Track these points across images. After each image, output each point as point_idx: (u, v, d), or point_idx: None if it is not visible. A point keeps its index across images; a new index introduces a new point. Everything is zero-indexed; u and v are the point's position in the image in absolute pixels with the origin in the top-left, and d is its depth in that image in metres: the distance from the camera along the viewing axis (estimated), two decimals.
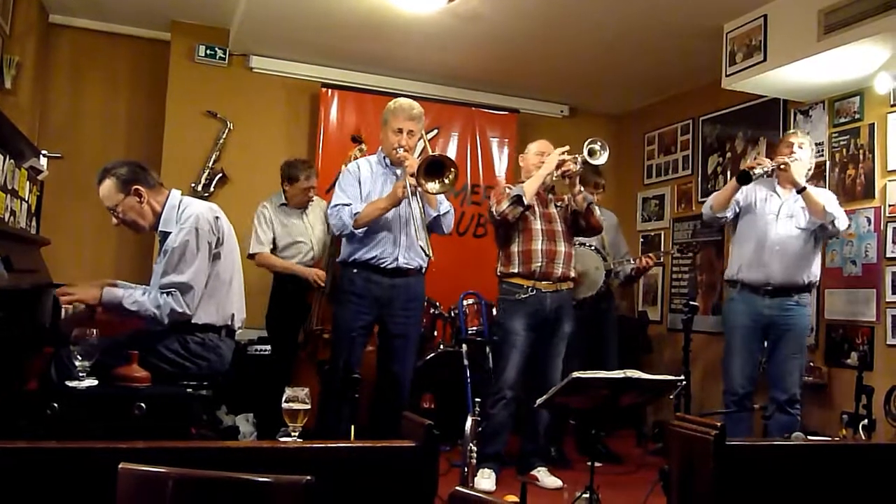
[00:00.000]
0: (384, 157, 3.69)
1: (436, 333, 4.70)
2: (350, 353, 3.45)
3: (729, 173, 5.20)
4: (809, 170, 3.85)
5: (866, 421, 3.70)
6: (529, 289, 3.78)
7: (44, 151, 3.79)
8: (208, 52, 5.12)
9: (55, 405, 2.36)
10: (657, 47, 4.78)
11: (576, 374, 2.75)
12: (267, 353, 4.57)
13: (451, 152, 5.61)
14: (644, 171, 6.07)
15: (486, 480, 3.65)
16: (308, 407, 2.16)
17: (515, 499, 2.81)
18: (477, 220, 5.69)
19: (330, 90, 5.40)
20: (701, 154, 5.49)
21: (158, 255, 2.90)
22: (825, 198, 3.73)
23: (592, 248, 4.45)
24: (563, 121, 6.17)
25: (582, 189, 3.86)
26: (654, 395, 3.08)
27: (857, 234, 4.18)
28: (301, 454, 1.85)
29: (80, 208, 4.78)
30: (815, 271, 3.79)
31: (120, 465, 1.35)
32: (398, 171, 3.60)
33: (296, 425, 2.14)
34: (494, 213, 3.79)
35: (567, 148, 3.81)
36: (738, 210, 3.88)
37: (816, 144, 4.28)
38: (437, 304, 4.67)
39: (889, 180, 4.11)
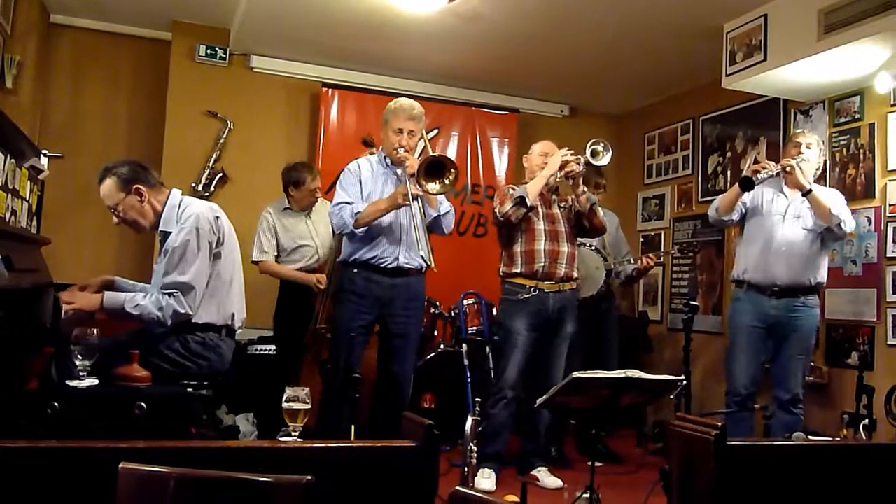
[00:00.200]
0: (385, 157, 3.69)
1: (436, 333, 4.70)
2: (350, 353, 3.45)
3: (729, 173, 5.20)
4: (818, 169, 3.84)
5: (867, 421, 3.70)
6: (532, 289, 3.78)
7: (44, 151, 3.79)
8: (209, 51, 5.12)
9: (56, 405, 2.36)
10: (657, 47, 4.78)
11: (576, 374, 2.75)
12: (267, 352, 4.57)
13: (452, 152, 5.61)
14: (644, 170, 6.07)
15: (486, 480, 3.66)
16: (308, 407, 2.16)
17: (516, 499, 2.81)
18: (477, 219, 5.69)
19: (330, 90, 5.40)
20: (701, 154, 5.49)
21: (159, 254, 2.90)
22: (833, 199, 3.70)
23: (593, 248, 4.46)
24: (563, 120, 6.17)
25: (585, 190, 3.86)
26: (655, 395, 3.08)
27: (858, 233, 4.17)
28: (301, 454, 1.85)
29: (81, 208, 4.78)
30: (822, 273, 3.75)
31: (120, 465, 1.36)
32: (399, 171, 3.60)
33: (296, 425, 2.14)
34: (498, 213, 3.79)
35: (570, 150, 3.80)
36: (744, 211, 3.84)
37: None
38: (438, 303, 4.67)
39: (889, 180, 4.11)
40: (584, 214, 3.87)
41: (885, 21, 3.47)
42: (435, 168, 3.41)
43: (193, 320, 2.78)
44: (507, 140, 5.84)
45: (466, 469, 2.88)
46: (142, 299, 2.74)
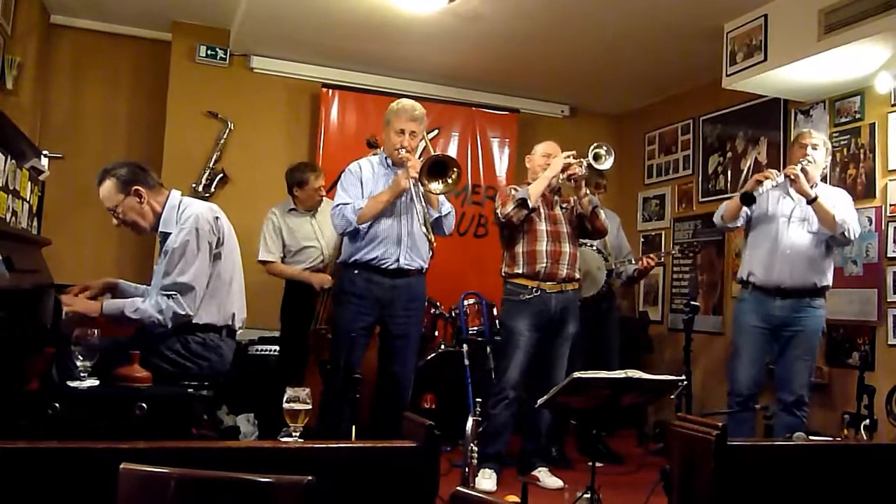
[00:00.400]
0: (386, 158, 3.69)
1: (437, 333, 4.70)
2: (350, 354, 3.45)
3: (730, 173, 5.20)
4: (825, 168, 3.82)
5: (868, 421, 3.69)
6: (534, 289, 3.78)
7: (45, 152, 3.79)
8: (209, 52, 5.12)
9: (56, 405, 2.36)
10: (658, 47, 4.78)
11: (577, 374, 2.75)
12: (268, 352, 4.57)
13: (452, 152, 5.59)
14: (644, 170, 6.07)
15: (486, 481, 3.66)
16: (309, 407, 2.16)
17: (516, 499, 2.81)
18: (478, 220, 5.69)
19: (330, 90, 5.40)
20: (701, 154, 5.49)
21: (159, 255, 2.90)
22: (840, 204, 3.66)
23: (594, 248, 4.46)
24: (563, 121, 6.17)
25: (587, 192, 3.86)
26: (655, 395, 3.08)
27: (859, 233, 4.17)
28: (302, 454, 1.85)
29: (82, 208, 4.78)
30: (828, 276, 3.73)
31: (121, 466, 1.35)
32: (399, 172, 3.60)
33: (297, 425, 2.14)
34: (499, 214, 3.80)
35: (573, 152, 3.80)
36: (750, 214, 3.82)
37: None
38: (438, 304, 4.67)
39: (890, 180, 4.11)
40: (586, 217, 3.87)
41: (886, 21, 3.47)
42: (437, 168, 3.41)
43: (194, 321, 2.78)
44: (507, 140, 5.84)
45: (467, 469, 2.89)
46: (141, 303, 2.74)
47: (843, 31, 3.65)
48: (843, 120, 4.39)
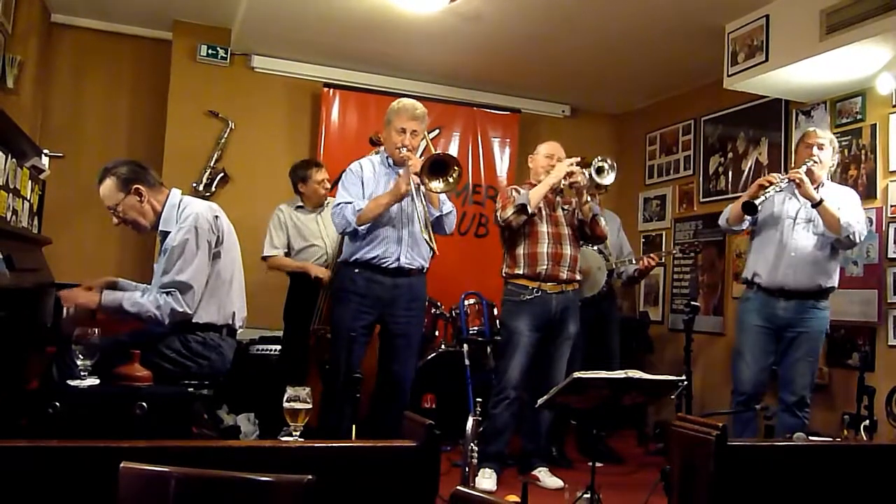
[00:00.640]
0: (387, 157, 3.69)
1: (437, 333, 4.70)
2: (350, 353, 3.44)
3: (731, 174, 5.20)
4: (831, 167, 3.80)
5: (868, 422, 3.68)
6: (535, 290, 3.78)
7: (45, 151, 3.78)
8: (210, 51, 5.12)
9: (57, 404, 2.36)
10: (659, 47, 4.78)
11: (577, 374, 2.75)
12: (268, 352, 4.56)
13: (453, 152, 5.59)
14: (645, 171, 6.06)
15: (487, 480, 3.66)
16: (309, 406, 2.16)
17: (516, 499, 2.81)
18: (478, 220, 5.69)
19: (331, 90, 5.40)
20: (702, 154, 5.49)
21: (159, 254, 2.90)
22: (846, 206, 3.64)
23: (595, 248, 4.45)
24: (564, 121, 6.17)
25: (589, 199, 3.86)
26: (656, 396, 3.08)
27: (865, 235, 4.16)
28: (302, 454, 1.85)
29: (82, 207, 4.78)
30: (833, 277, 3.71)
31: (121, 465, 1.36)
32: (401, 171, 3.60)
33: (297, 425, 2.14)
34: (499, 217, 3.81)
35: (578, 159, 3.80)
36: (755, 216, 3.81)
37: None
38: (439, 304, 4.68)
39: (891, 181, 4.10)
40: (587, 223, 3.87)
41: (887, 22, 3.47)
42: (438, 166, 3.41)
43: (194, 320, 2.78)
44: (508, 140, 5.84)
45: (467, 469, 2.88)
46: (140, 297, 2.75)
47: (845, 32, 3.65)
48: (845, 121, 4.39)
